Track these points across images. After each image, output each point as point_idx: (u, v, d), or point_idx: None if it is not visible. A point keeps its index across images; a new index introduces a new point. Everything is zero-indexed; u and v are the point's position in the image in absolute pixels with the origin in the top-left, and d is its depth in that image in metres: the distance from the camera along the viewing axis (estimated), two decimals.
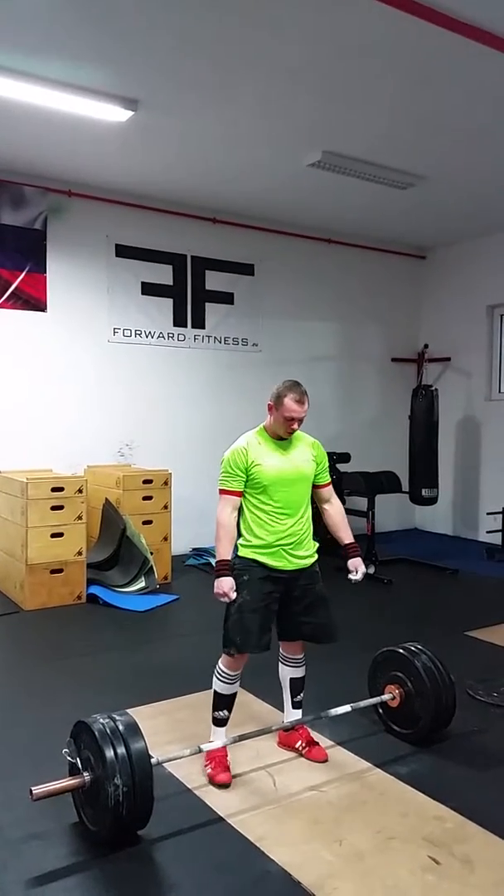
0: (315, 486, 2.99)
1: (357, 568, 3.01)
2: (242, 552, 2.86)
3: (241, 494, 2.87)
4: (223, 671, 2.88)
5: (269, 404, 2.89)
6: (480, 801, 2.65)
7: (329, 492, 3.06)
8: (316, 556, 2.97)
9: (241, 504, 2.88)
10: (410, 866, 2.28)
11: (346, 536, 3.06)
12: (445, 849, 2.37)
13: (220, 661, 2.89)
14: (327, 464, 3.06)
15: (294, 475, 2.89)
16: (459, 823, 2.52)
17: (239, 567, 2.84)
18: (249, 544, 2.86)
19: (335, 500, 3.08)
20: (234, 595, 2.77)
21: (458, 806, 2.61)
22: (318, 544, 2.99)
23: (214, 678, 2.90)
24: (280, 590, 2.87)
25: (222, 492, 2.88)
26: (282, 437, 2.91)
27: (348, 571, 3.01)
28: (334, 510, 3.07)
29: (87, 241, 6.31)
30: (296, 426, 2.88)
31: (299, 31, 3.73)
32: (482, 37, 3.69)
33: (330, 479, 3.08)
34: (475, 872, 2.26)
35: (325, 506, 3.06)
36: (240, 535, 2.89)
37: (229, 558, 2.82)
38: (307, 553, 2.92)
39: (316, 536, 3.00)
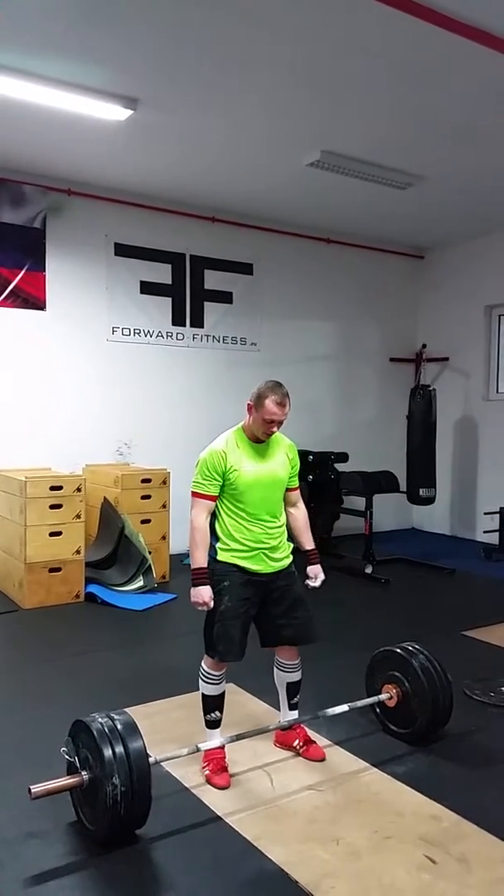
0: (286, 489, 2.97)
1: (317, 575, 3.02)
2: (222, 556, 2.83)
3: (216, 499, 2.82)
4: (209, 672, 2.87)
5: (248, 404, 2.82)
6: (477, 801, 2.66)
7: (297, 496, 3.05)
8: (291, 557, 2.97)
9: (216, 507, 2.85)
10: (407, 865, 2.29)
11: (308, 542, 3.06)
12: (442, 848, 2.38)
13: (203, 664, 2.88)
14: (299, 468, 3.03)
15: (270, 480, 2.86)
16: (456, 823, 2.53)
17: (219, 572, 2.81)
18: (228, 548, 2.82)
19: (301, 505, 3.08)
20: (212, 604, 2.75)
21: (454, 805, 2.62)
22: (291, 545, 2.99)
23: (200, 681, 2.89)
24: (259, 593, 2.86)
25: (197, 495, 2.80)
26: (259, 439, 2.87)
27: (307, 577, 3.01)
28: (299, 514, 3.06)
29: (86, 239, 6.31)
30: (275, 429, 2.82)
31: (299, 31, 3.73)
32: (480, 37, 3.69)
33: (298, 484, 3.05)
34: (471, 872, 2.27)
35: (291, 509, 3.04)
36: (217, 538, 2.85)
37: (206, 565, 2.79)
38: (283, 555, 2.93)
39: (289, 538, 3.01)
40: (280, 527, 2.92)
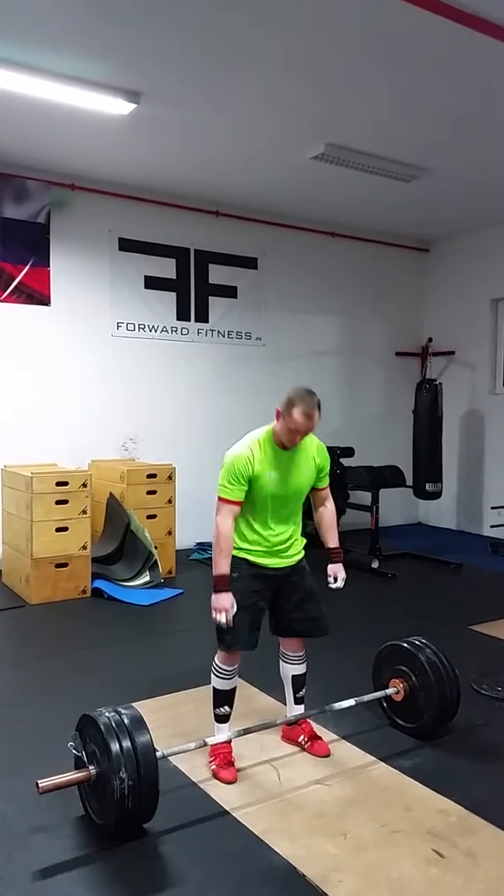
0: (314, 489, 2.96)
1: (337, 574, 2.97)
2: (233, 552, 2.81)
3: (241, 504, 2.78)
4: (220, 667, 2.88)
5: (277, 410, 2.73)
6: (484, 795, 2.66)
7: (326, 494, 3.03)
8: (303, 553, 2.96)
9: None
10: (415, 859, 2.29)
11: (332, 540, 3.03)
12: (449, 842, 2.38)
13: (216, 658, 2.89)
14: (328, 468, 3.00)
15: (291, 491, 2.84)
16: (463, 817, 2.52)
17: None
18: (237, 546, 2.82)
19: (330, 504, 3.06)
20: (233, 612, 2.69)
21: (461, 799, 2.61)
22: (304, 540, 2.98)
23: (212, 675, 2.90)
24: (270, 587, 2.86)
25: (224, 500, 2.74)
26: (286, 446, 2.80)
27: (327, 578, 2.98)
28: (327, 513, 3.05)
29: (90, 234, 6.30)
30: (298, 439, 2.75)
31: (302, 23, 3.71)
32: (487, 28, 3.66)
33: (328, 483, 3.03)
34: (479, 865, 2.27)
35: (320, 507, 3.04)
36: None
37: (228, 572, 2.73)
38: (296, 551, 2.93)
39: (303, 532, 2.99)
40: (295, 528, 2.92)
